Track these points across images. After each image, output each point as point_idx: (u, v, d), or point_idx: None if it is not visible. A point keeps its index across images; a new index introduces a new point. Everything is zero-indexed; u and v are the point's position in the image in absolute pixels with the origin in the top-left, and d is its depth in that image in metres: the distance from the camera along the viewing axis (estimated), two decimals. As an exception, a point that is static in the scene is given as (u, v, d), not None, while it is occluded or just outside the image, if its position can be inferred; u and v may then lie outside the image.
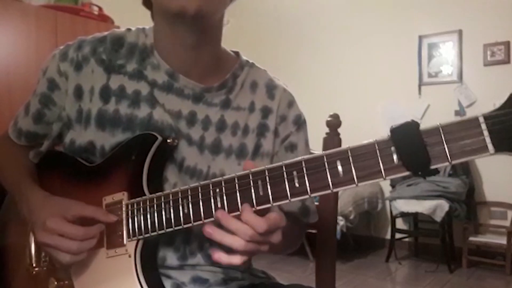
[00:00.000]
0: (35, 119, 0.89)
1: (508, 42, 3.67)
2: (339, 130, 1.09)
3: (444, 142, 0.55)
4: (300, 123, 0.91)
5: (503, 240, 3.42)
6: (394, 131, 0.57)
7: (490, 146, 0.53)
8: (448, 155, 0.55)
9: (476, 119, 0.54)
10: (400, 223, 4.00)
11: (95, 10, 3.19)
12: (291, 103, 0.91)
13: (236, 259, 0.65)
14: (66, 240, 0.73)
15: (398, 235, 3.87)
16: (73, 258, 0.75)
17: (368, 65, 4.23)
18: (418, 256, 3.96)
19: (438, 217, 3.46)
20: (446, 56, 3.95)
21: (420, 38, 4.03)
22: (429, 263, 3.68)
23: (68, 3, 3.05)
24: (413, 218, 3.93)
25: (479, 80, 3.74)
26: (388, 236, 3.98)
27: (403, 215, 3.81)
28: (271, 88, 0.90)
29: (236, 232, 0.63)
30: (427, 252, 3.87)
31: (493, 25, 3.69)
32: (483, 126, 0.53)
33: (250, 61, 0.93)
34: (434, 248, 3.70)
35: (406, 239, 4.04)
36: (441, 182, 3.59)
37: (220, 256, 0.65)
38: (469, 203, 3.64)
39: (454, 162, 0.55)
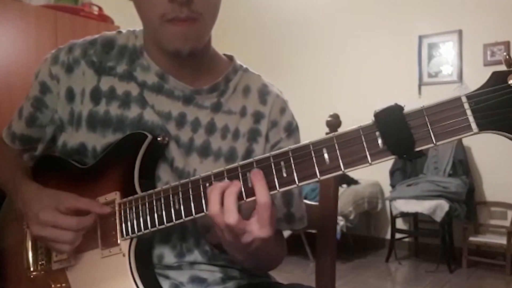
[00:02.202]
0: (28, 123, 0.90)
1: (508, 42, 3.67)
2: (339, 130, 1.08)
3: (428, 123, 0.55)
4: (291, 129, 0.90)
5: (503, 240, 3.42)
6: (378, 115, 0.58)
7: (474, 125, 0.54)
8: (433, 136, 0.55)
9: (458, 99, 0.54)
10: (400, 223, 3.99)
11: (95, 10, 3.19)
12: (283, 109, 0.90)
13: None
14: (61, 231, 0.75)
15: (398, 235, 3.87)
16: (70, 247, 0.76)
17: (368, 65, 4.23)
18: (418, 256, 3.96)
19: (438, 217, 3.46)
20: (446, 56, 3.95)
21: (420, 38, 4.03)
22: (429, 263, 3.67)
23: (68, 3, 3.05)
24: (413, 218, 3.92)
25: (479, 80, 3.59)
26: (388, 236, 3.97)
27: (403, 215, 3.81)
28: (263, 93, 0.90)
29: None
30: (427, 252, 3.87)
31: (493, 25, 3.68)
32: (466, 106, 0.54)
33: (244, 65, 0.93)
34: (434, 248, 3.70)
35: (406, 239, 4.04)
36: (441, 182, 3.59)
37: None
38: (469, 203, 3.64)
39: (439, 143, 0.55)
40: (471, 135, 0.54)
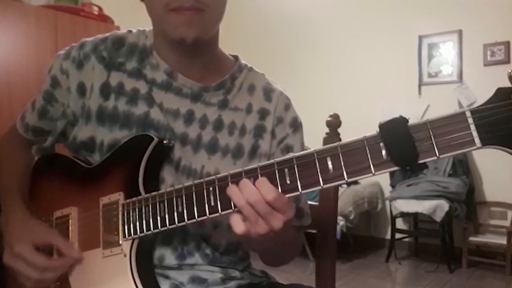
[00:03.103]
0: (40, 115, 0.91)
1: (508, 42, 3.67)
2: (339, 130, 1.09)
3: (432, 137, 0.56)
4: (296, 125, 0.92)
5: (503, 240, 3.42)
6: (382, 127, 0.58)
7: (477, 140, 0.54)
8: (436, 150, 0.56)
9: (463, 113, 0.55)
10: (400, 223, 4.00)
11: (95, 10, 3.19)
12: (288, 106, 0.92)
13: (240, 226, 0.65)
14: (28, 268, 0.77)
15: (398, 235, 3.87)
16: (32, 284, 0.78)
17: (368, 65, 4.23)
18: (418, 256, 3.96)
19: (438, 217, 3.46)
20: (446, 56, 3.95)
21: (420, 38, 4.03)
22: (429, 263, 3.68)
23: (68, 3, 3.05)
24: (413, 218, 3.93)
25: (479, 80, 3.74)
26: (388, 236, 3.98)
27: (403, 215, 3.81)
28: (268, 91, 0.92)
29: (242, 190, 0.64)
30: (427, 252, 3.87)
31: (493, 25, 3.69)
32: (470, 121, 0.55)
33: (249, 65, 0.94)
34: (434, 248, 3.70)
35: (406, 239, 4.04)
36: (441, 182, 3.59)
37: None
38: (469, 203, 3.64)
39: (442, 156, 0.56)
40: (474, 149, 0.55)
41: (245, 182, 0.64)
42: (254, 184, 0.64)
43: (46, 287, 0.82)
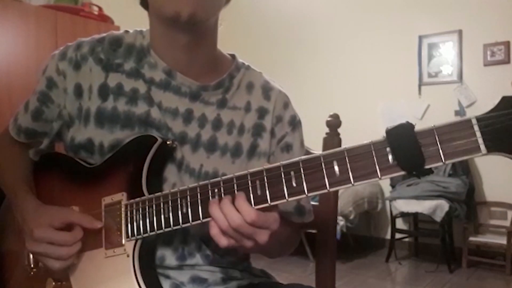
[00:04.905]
0: (34, 117, 0.90)
1: (508, 42, 3.67)
2: (339, 130, 1.09)
3: (438, 142, 0.57)
4: (295, 123, 0.92)
5: (503, 240, 3.43)
6: (389, 132, 0.59)
7: (483, 147, 0.55)
8: (442, 155, 0.57)
9: (469, 120, 0.56)
10: (400, 223, 4.00)
11: (95, 10, 3.19)
12: (287, 104, 0.92)
13: (223, 241, 0.67)
14: (56, 247, 0.76)
15: (398, 235, 3.88)
16: (62, 264, 0.77)
17: (368, 65, 4.23)
18: (418, 256, 3.96)
19: (438, 217, 3.46)
20: (446, 56, 3.95)
21: (420, 38, 4.03)
22: (429, 263, 3.68)
23: (68, 3, 3.05)
24: (413, 218, 3.93)
25: (479, 80, 3.74)
26: (388, 236, 3.98)
27: (403, 215, 3.81)
28: (267, 89, 0.91)
29: (226, 216, 0.65)
30: (427, 252, 3.87)
31: (493, 25, 3.69)
32: (476, 128, 0.55)
33: (246, 63, 0.94)
34: (434, 248, 3.70)
35: (406, 239, 4.04)
36: (441, 182, 3.59)
37: (213, 228, 0.67)
38: (469, 203, 3.64)
39: (448, 162, 0.56)
40: (480, 156, 0.56)
41: (228, 207, 0.65)
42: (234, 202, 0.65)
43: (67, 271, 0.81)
